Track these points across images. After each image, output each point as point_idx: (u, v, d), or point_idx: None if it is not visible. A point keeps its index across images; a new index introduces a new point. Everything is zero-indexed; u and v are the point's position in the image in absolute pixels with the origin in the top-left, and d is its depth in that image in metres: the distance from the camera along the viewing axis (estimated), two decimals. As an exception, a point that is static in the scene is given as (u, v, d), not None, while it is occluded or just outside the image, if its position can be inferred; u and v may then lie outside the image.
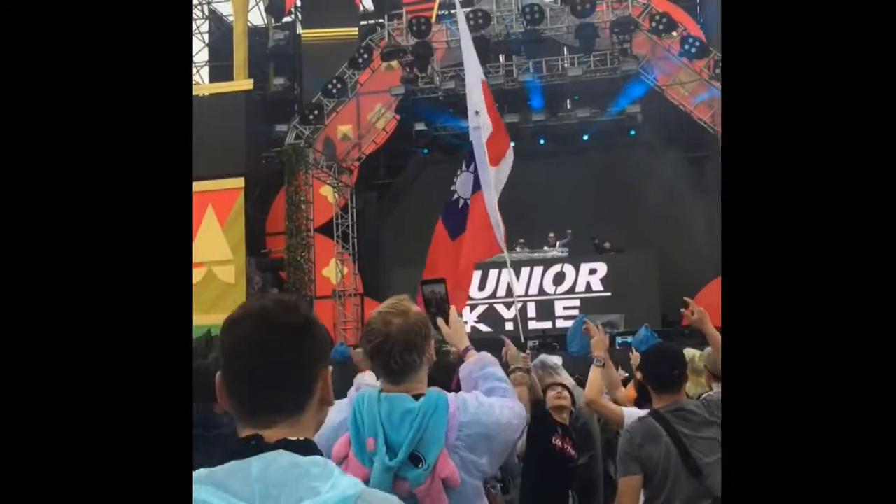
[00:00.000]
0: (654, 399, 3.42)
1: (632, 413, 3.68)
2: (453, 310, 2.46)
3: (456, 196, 5.06)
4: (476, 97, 5.07)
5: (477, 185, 4.95)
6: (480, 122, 4.96)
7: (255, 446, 1.20)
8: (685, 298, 3.76)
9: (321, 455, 1.23)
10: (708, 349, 5.12)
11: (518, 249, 15.55)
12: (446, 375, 2.77)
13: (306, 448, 1.22)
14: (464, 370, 2.36)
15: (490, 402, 2.16)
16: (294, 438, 1.23)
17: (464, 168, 5.06)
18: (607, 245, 15.82)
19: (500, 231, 4.87)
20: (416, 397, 2.07)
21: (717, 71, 15.49)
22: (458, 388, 2.38)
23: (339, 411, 2.07)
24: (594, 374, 3.98)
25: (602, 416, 4.02)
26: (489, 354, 2.42)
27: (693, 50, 15.70)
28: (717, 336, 3.64)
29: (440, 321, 2.43)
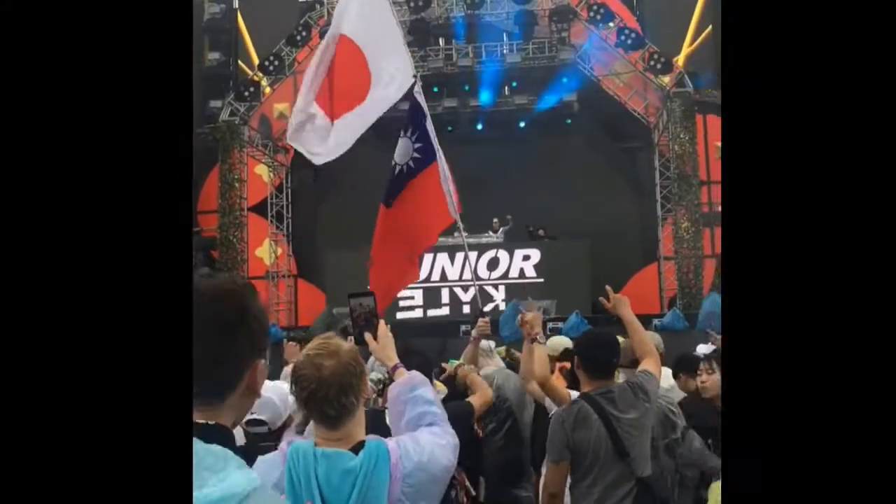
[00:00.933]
0: (585, 383, 3.43)
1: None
2: (382, 324, 2.37)
3: (393, 163, 4.96)
4: (406, 58, 4.95)
5: (429, 157, 4.84)
6: (420, 86, 4.87)
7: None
8: (606, 287, 3.80)
9: (232, 443, 1.17)
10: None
11: (455, 234, 15.61)
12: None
13: (215, 434, 1.16)
14: (392, 390, 2.25)
15: (428, 442, 2.06)
16: (202, 422, 1.19)
17: (402, 133, 4.93)
18: (541, 232, 16.01)
19: (451, 200, 4.83)
20: (355, 449, 1.96)
21: (652, 63, 15.82)
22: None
23: (272, 467, 1.96)
24: (540, 351, 3.82)
25: (550, 396, 3.98)
26: (419, 374, 2.31)
27: (629, 41, 15.96)
28: (634, 320, 3.64)
29: (368, 336, 2.36)
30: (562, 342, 5.40)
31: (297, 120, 5.06)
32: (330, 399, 1.95)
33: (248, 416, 3.02)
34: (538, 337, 3.80)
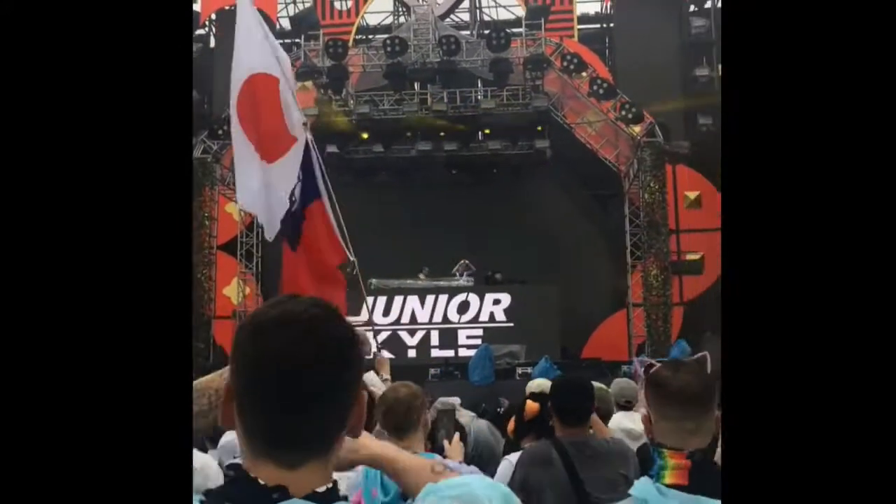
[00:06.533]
0: (559, 430, 3.38)
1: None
2: (457, 437, 2.98)
3: (295, 205, 4.94)
4: (292, 101, 4.94)
5: (312, 194, 4.86)
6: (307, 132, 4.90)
7: (278, 499, 1.01)
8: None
9: (346, 501, 1.07)
10: (619, 381, 5.25)
11: (422, 277, 15.60)
12: None
13: (334, 496, 1.04)
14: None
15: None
16: (323, 489, 1.03)
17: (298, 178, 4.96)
18: (498, 276, 16.01)
19: (342, 238, 4.86)
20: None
21: (623, 112, 16.12)
22: None
23: (357, 475, 2.62)
24: None
25: None
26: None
27: (601, 91, 16.28)
28: None
29: (446, 442, 2.96)
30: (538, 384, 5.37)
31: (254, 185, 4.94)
32: (399, 413, 2.73)
33: (232, 460, 3.01)
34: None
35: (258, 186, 4.87)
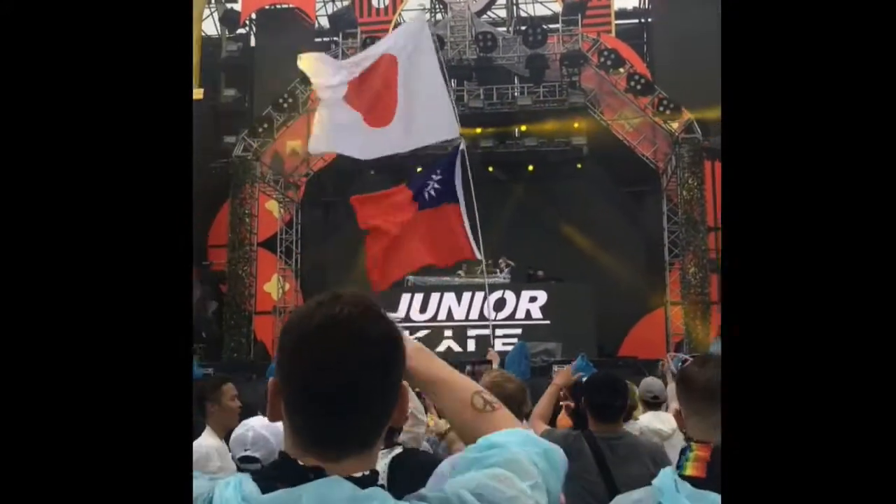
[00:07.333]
0: (592, 425, 3.43)
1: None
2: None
3: (431, 188, 5.51)
4: (452, 117, 5.54)
5: (448, 197, 5.37)
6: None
7: (314, 478, 1.03)
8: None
9: (383, 487, 1.06)
10: (646, 379, 5.32)
11: (461, 273, 15.67)
12: None
13: (370, 481, 1.05)
14: None
15: None
16: (359, 474, 1.05)
17: (433, 168, 5.65)
18: (540, 273, 16.00)
19: (473, 241, 5.26)
20: None
21: (661, 108, 15.99)
22: None
23: None
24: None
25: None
26: None
27: (639, 87, 16.16)
28: None
29: None
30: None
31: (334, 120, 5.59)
32: (514, 409, 2.60)
33: (242, 453, 3.09)
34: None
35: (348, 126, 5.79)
